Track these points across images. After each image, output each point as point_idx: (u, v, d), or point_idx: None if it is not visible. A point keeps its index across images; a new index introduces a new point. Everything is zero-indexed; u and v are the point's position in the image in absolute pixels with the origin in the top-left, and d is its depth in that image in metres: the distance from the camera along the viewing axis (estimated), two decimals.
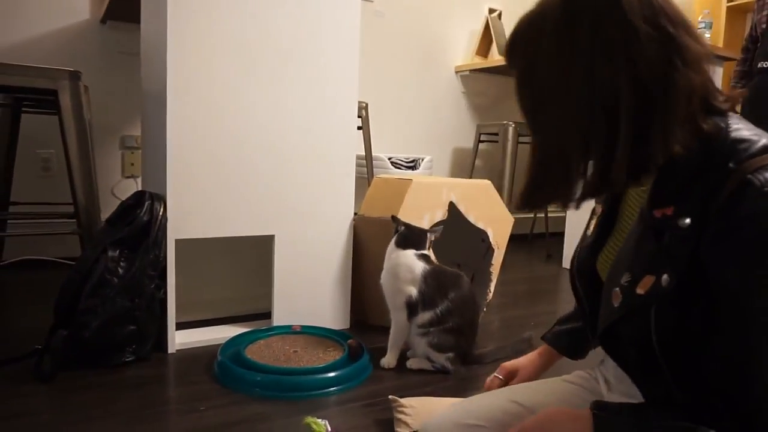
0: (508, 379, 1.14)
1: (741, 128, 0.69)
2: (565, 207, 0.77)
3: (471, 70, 3.85)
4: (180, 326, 1.78)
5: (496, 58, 3.77)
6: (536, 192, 0.78)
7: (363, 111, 2.89)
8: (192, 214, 1.68)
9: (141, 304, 1.58)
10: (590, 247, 0.89)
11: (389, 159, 3.09)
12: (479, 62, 3.83)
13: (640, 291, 0.71)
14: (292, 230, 1.85)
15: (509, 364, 1.15)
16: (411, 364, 1.63)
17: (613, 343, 0.81)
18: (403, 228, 1.66)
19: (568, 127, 0.72)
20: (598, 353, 0.98)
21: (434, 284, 1.58)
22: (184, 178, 1.66)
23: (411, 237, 1.64)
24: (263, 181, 1.79)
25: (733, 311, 0.65)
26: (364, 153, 2.95)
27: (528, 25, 0.76)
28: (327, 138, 1.89)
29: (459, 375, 1.59)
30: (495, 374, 1.15)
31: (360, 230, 1.98)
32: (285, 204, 1.83)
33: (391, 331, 1.64)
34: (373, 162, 3.01)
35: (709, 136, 0.68)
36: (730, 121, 0.70)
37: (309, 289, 1.91)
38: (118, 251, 1.59)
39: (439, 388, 1.49)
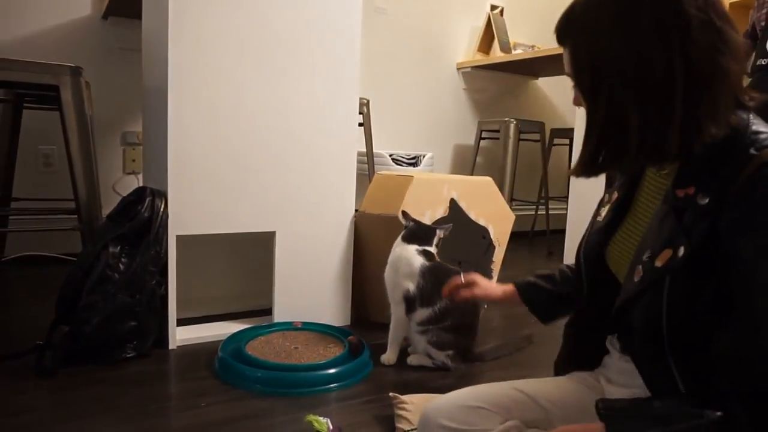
0: (469, 282, 1.29)
1: (761, 123, 0.76)
2: (620, 173, 0.89)
3: (472, 67, 3.84)
4: (181, 322, 1.78)
5: (497, 54, 3.76)
6: (595, 161, 0.83)
7: (364, 108, 2.89)
8: (193, 210, 1.68)
9: (142, 300, 1.58)
10: (602, 231, 0.94)
11: (390, 156, 3.08)
12: (481, 59, 3.82)
13: (658, 264, 0.77)
14: (293, 227, 1.85)
15: (477, 276, 1.29)
16: (411, 360, 1.63)
17: (626, 324, 0.83)
18: (411, 224, 1.67)
19: (627, 102, 0.77)
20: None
21: (433, 281, 1.57)
22: (185, 175, 1.66)
23: (418, 233, 1.65)
24: (264, 178, 1.79)
25: (745, 279, 0.69)
26: (365, 150, 2.95)
27: (587, 4, 0.81)
28: (328, 134, 1.89)
29: (459, 372, 1.59)
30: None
31: (361, 227, 1.98)
32: (286, 200, 1.83)
33: (391, 326, 1.64)
34: (374, 159, 3.00)
35: (734, 126, 0.75)
36: (751, 116, 0.77)
37: (310, 286, 1.91)
38: (119, 247, 1.59)
39: (440, 385, 1.49)
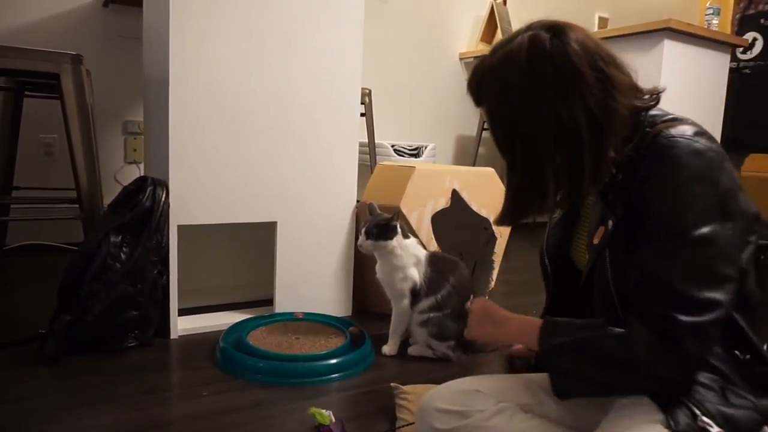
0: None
1: (656, 111, 0.91)
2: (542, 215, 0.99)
3: (475, 57, 3.82)
4: (182, 312, 1.79)
5: None
6: (517, 211, 0.97)
7: (366, 98, 2.88)
8: (194, 200, 1.68)
9: (143, 289, 1.58)
10: (559, 228, 1.09)
11: (392, 146, 3.08)
12: (484, 49, 3.81)
13: (595, 241, 0.93)
14: (294, 217, 1.85)
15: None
16: (412, 351, 1.63)
17: (589, 293, 0.96)
18: (384, 217, 1.62)
19: (541, 153, 0.90)
20: None
21: (436, 269, 1.59)
22: (186, 164, 1.66)
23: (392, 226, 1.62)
24: (266, 168, 1.78)
25: (654, 228, 0.83)
26: (367, 140, 2.94)
27: (496, 70, 0.93)
28: (330, 125, 1.89)
29: (461, 363, 1.59)
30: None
31: (362, 217, 1.98)
32: (287, 191, 1.83)
33: (392, 318, 1.65)
34: (376, 149, 3.00)
35: (635, 124, 0.89)
36: (651, 111, 0.92)
37: (311, 276, 1.91)
38: (120, 237, 1.59)
39: (441, 376, 1.49)
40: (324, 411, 1.19)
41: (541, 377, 1.04)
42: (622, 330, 0.83)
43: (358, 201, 2.00)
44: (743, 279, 0.84)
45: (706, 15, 3.02)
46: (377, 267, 1.65)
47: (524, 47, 0.90)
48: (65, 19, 2.66)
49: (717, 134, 2.97)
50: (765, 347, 0.86)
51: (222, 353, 1.53)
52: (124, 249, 1.58)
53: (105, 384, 1.37)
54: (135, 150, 2.88)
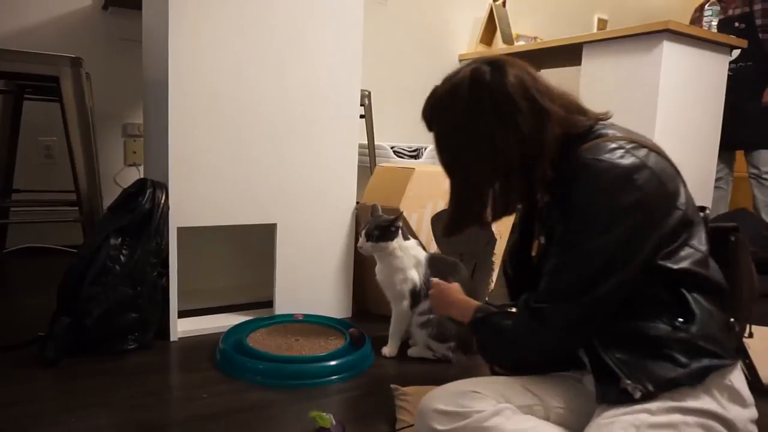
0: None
1: (589, 132, 1.02)
2: (481, 227, 1.13)
3: (475, 59, 3.82)
4: (182, 314, 1.79)
5: (500, 46, 3.75)
6: (457, 223, 1.11)
7: (366, 99, 2.88)
8: (194, 202, 1.69)
9: (143, 291, 1.58)
10: (520, 234, 1.23)
11: (392, 148, 3.08)
12: (483, 51, 3.81)
13: (533, 253, 1.16)
14: (294, 219, 1.85)
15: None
16: (412, 352, 1.63)
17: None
18: (386, 219, 1.62)
19: (478, 176, 1.05)
20: None
21: (435, 270, 1.59)
22: (186, 166, 1.66)
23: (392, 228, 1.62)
24: (265, 169, 1.78)
25: (557, 237, 1.00)
26: (366, 142, 2.94)
27: (442, 100, 1.07)
28: (330, 126, 1.89)
29: (461, 364, 1.59)
30: None
31: (362, 219, 1.98)
32: (287, 192, 1.83)
33: (392, 320, 1.64)
34: (376, 151, 3.00)
35: (569, 146, 1.00)
36: (594, 128, 1.03)
37: (311, 278, 1.91)
38: (120, 239, 1.59)
39: (441, 377, 1.48)
40: (325, 414, 1.19)
41: (540, 379, 1.06)
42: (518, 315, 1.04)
43: (357, 203, 2.00)
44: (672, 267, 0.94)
45: (705, 16, 3.02)
46: (377, 269, 1.65)
47: (467, 79, 1.04)
48: (65, 22, 2.66)
49: (716, 136, 2.97)
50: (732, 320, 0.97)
51: (222, 355, 1.53)
52: (123, 251, 1.58)
53: (105, 387, 1.37)
54: (135, 152, 2.88)
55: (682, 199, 0.97)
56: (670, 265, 0.94)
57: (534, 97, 1.00)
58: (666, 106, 2.64)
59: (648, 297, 0.95)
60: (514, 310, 1.10)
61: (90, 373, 1.44)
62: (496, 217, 1.08)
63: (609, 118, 1.07)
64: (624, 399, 0.90)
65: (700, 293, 0.94)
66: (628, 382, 0.90)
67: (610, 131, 1.01)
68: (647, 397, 0.88)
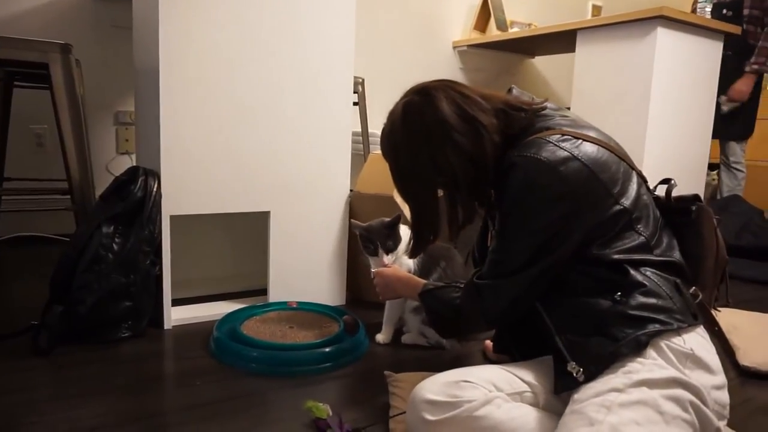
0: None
1: (527, 129, 1.08)
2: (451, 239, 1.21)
3: (469, 46, 3.81)
4: (176, 303, 1.78)
5: (494, 33, 3.74)
6: (419, 242, 1.22)
7: (359, 86, 2.87)
8: (186, 190, 1.68)
9: (136, 280, 1.58)
10: (480, 230, 1.34)
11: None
12: (477, 37, 3.79)
13: (489, 244, 1.21)
14: (287, 206, 1.85)
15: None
16: (406, 339, 1.64)
17: None
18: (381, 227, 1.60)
19: (427, 196, 1.15)
20: None
21: (428, 254, 1.56)
22: (178, 154, 1.65)
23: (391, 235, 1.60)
24: (258, 157, 1.77)
25: (497, 228, 1.09)
26: (360, 129, 2.93)
27: (386, 135, 1.17)
28: (323, 114, 1.88)
29: (454, 351, 1.60)
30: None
31: (356, 207, 1.97)
32: (280, 180, 1.82)
33: (386, 307, 1.65)
34: (369, 138, 2.99)
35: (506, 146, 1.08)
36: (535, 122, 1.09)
37: (305, 266, 1.91)
38: (112, 227, 1.58)
39: (435, 364, 1.50)
40: (321, 404, 1.19)
41: (529, 366, 1.07)
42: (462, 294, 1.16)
43: (351, 190, 1.99)
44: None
45: (699, 2, 3.02)
46: (369, 259, 1.65)
47: (399, 111, 1.13)
48: (55, 8, 2.63)
49: (709, 123, 2.97)
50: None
51: (216, 343, 1.53)
52: (116, 239, 1.57)
53: (98, 375, 1.37)
54: (127, 140, 2.86)
55: (618, 186, 1.00)
56: (605, 253, 0.99)
57: (466, 112, 1.07)
58: (659, 92, 2.64)
59: (591, 274, 1.00)
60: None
61: (83, 362, 1.43)
62: (462, 225, 1.17)
63: (545, 108, 1.12)
64: (570, 383, 0.94)
65: (646, 267, 0.99)
66: (573, 364, 0.95)
67: (549, 123, 1.07)
68: (591, 378, 0.92)
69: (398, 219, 1.59)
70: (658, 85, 2.62)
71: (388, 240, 1.57)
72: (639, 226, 1.01)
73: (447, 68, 3.84)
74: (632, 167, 1.07)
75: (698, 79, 2.84)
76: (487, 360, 1.53)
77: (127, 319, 1.59)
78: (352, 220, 1.68)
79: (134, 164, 1.88)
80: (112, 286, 1.54)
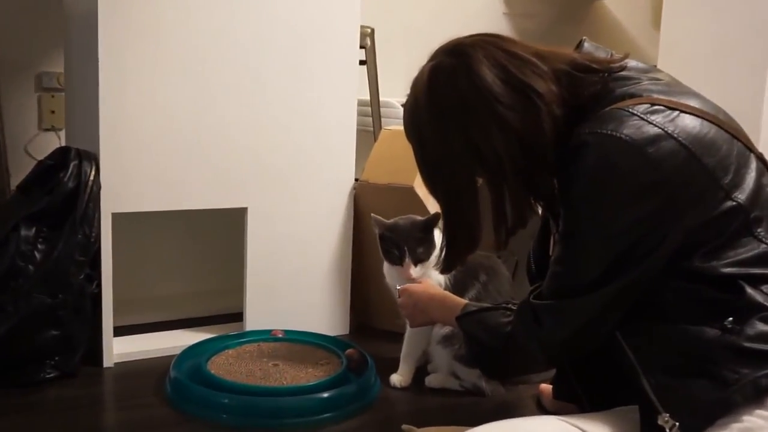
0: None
1: (602, 95, 1.06)
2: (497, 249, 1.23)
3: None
4: (119, 331, 1.79)
5: None
6: (453, 251, 1.23)
7: (367, 39, 2.87)
8: (135, 179, 1.69)
9: (66, 300, 1.58)
10: (539, 234, 1.35)
11: (402, 105, 3.07)
12: None
13: (551, 252, 1.20)
14: (271, 202, 1.85)
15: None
16: (432, 381, 1.64)
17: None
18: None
19: (461, 190, 1.15)
20: None
21: (465, 269, 1.56)
22: (123, 132, 1.66)
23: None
24: (233, 136, 1.78)
25: (560, 233, 1.09)
26: (368, 97, 2.93)
27: (409, 111, 1.19)
28: (320, 76, 1.88)
29: (498, 397, 1.59)
30: None
31: (363, 201, 1.97)
32: (262, 166, 1.83)
33: (405, 337, 1.65)
34: (381, 109, 2.99)
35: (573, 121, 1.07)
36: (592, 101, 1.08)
37: (294, 282, 1.92)
38: (34, 229, 1.59)
39: (471, 415, 1.49)
40: None
41: (603, 418, 1.06)
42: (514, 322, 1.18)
43: (356, 180, 1.99)
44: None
45: None
46: (386, 268, 1.65)
47: (425, 79, 1.13)
48: None
49: None
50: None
51: (174, 386, 1.53)
52: (39, 246, 1.58)
53: (15, 429, 1.37)
54: (53, 112, 2.87)
55: (730, 174, 0.98)
56: (712, 265, 0.97)
57: (515, 77, 1.06)
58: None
59: (692, 294, 0.98)
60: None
61: None
62: (513, 229, 1.15)
63: (626, 68, 1.11)
64: None
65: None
66: (666, 416, 0.92)
67: (633, 88, 1.05)
68: None
69: (435, 219, 1.58)
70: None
71: (419, 246, 1.57)
72: (759, 230, 0.99)
73: (487, 13, 3.84)
74: (750, 148, 1.05)
75: None
76: (544, 410, 1.52)
77: (53, 354, 1.59)
78: (374, 215, 1.68)
79: (63, 143, 1.89)
80: (33, 308, 1.54)
